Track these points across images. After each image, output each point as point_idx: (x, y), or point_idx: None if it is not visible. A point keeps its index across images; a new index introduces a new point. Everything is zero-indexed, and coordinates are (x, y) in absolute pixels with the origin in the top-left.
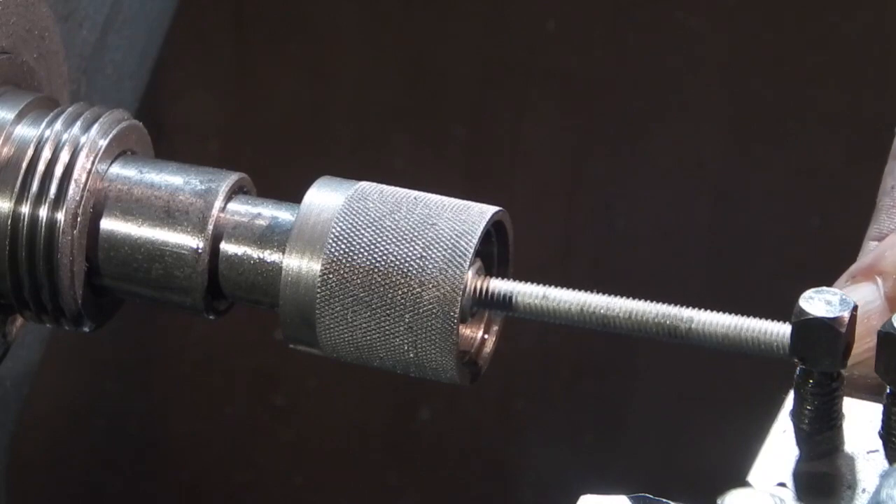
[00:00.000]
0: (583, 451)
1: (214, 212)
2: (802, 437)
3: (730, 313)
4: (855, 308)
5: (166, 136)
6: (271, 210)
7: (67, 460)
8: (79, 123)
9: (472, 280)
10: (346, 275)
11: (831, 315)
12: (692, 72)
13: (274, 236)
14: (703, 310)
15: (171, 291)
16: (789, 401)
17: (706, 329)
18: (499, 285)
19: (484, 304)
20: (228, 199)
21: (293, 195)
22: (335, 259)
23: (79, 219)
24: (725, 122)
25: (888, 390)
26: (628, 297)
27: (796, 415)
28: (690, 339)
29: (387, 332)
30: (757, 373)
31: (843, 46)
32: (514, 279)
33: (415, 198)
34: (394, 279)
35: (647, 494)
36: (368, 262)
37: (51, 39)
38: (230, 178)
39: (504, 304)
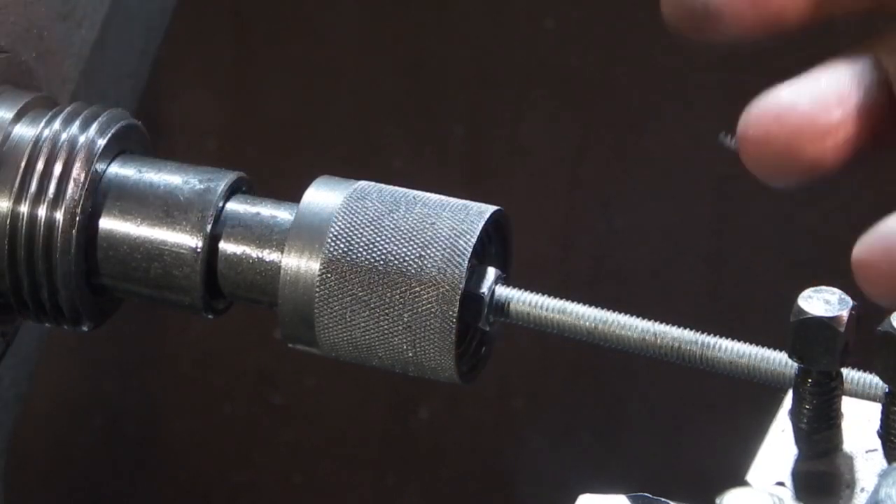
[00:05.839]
0: (582, 450)
1: (213, 211)
2: (801, 437)
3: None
4: (853, 307)
5: (165, 135)
6: (270, 209)
7: (67, 460)
8: (77, 123)
9: (489, 289)
10: (344, 274)
11: (830, 314)
12: (692, 72)
13: (273, 235)
14: (728, 338)
15: (170, 290)
16: (788, 400)
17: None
18: (515, 296)
19: (501, 314)
20: (227, 198)
21: (292, 194)
22: (334, 258)
23: (77, 218)
24: (725, 122)
25: (887, 389)
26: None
27: (795, 414)
28: (715, 367)
29: (385, 332)
30: None
31: (842, 45)
32: (514, 279)
33: (414, 197)
34: (392, 278)
35: (646, 494)
36: (367, 262)
37: (50, 38)
38: (229, 177)
39: (522, 317)
